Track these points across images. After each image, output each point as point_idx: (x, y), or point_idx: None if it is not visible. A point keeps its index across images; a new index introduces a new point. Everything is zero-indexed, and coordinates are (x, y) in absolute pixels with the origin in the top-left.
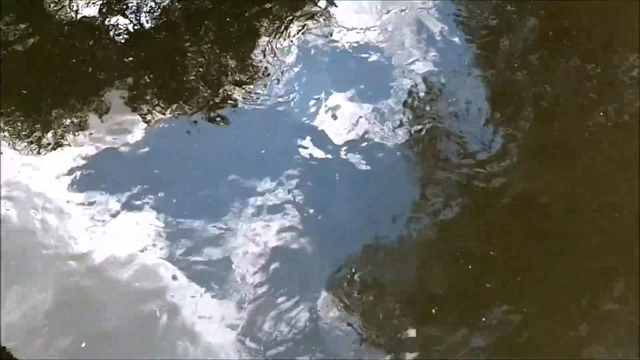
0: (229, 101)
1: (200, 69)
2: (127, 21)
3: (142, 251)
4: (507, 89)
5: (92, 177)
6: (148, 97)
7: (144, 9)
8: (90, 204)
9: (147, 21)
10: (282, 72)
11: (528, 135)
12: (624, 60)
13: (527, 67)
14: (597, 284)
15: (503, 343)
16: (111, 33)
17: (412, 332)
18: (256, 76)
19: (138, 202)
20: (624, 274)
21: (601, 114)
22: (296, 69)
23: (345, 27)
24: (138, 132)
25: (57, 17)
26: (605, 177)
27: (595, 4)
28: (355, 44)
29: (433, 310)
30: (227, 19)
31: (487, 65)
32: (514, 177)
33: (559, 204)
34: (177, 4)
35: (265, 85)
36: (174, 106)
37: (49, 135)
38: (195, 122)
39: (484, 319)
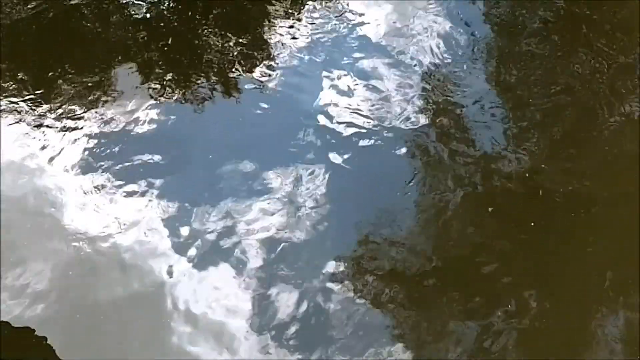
0: (237, 85)
1: (211, 51)
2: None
3: (146, 233)
4: (517, 83)
5: (100, 156)
6: (159, 77)
7: None
8: (97, 185)
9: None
10: (292, 57)
11: (539, 129)
12: (636, 54)
13: (540, 60)
14: (603, 278)
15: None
16: (124, 10)
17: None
18: (266, 60)
19: (144, 183)
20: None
21: (613, 107)
22: (306, 54)
23: (356, 13)
24: (147, 112)
25: None
26: (616, 170)
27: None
28: (368, 28)
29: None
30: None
31: (499, 59)
32: (523, 169)
33: (569, 197)
34: None
35: (273, 70)
36: (184, 87)
37: (56, 113)
38: (204, 103)
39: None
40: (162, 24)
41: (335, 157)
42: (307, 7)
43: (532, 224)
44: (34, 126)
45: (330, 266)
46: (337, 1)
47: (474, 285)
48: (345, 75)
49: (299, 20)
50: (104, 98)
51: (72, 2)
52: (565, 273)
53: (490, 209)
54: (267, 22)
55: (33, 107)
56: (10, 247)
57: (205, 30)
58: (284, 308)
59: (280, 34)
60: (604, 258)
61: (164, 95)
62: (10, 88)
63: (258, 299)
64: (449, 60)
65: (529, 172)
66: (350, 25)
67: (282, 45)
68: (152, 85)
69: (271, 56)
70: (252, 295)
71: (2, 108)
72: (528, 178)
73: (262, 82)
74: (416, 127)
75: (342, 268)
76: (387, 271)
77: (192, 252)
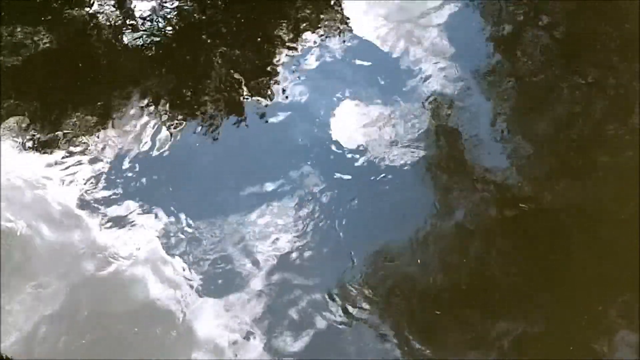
0: (245, 104)
1: (216, 75)
2: (144, 25)
3: (153, 252)
4: (524, 97)
5: (106, 179)
6: (164, 102)
7: (162, 13)
8: (104, 205)
9: (164, 25)
10: (298, 74)
11: (544, 144)
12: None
13: (546, 75)
14: (605, 296)
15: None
16: (127, 37)
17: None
18: (271, 83)
19: (150, 204)
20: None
21: (617, 123)
22: (312, 72)
23: (362, 37)
24: (152, 136)
25: (73, 20)
26: (619, 186)
27: (611, 13)
28: (371, 49)
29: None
30: (244, 23)
31: (505, 73)
32: (527, 184)
33: (573, 213)
34: (194, 6)
35: (280, 88)
36: (189, 111)
37: (64, 138)
38: (211, 124)
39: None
40: (166, 51)
41: (341, 180)
42: (312, 30)
43: (538, 243)
44: (39, 151)
45: (339, 287)
46: (344, 26)
47: (481, 309)
48: (351, 99)
49: (304, 43)
50: (109, 123)
51: (77, 31)
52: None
53: (495, 230)
54: (272, 45)
55: (38, 133)
56: (19, 267)
57: (210, 55)
58: (293, 330)
59: (286, 57)
60: (608, 277)
61: (169, 120)
62: (17, 114)
63: (264, 320)
64: (452, 83)
65: (533, 192)
66: (355, 50)
67: (288, 68)
68: (157, 110)
69: (276, 79)
70: (257, 316)
71: (8, 134)
72: (533, 198)
73: (267, 105)
74: (422, 151)
75: (350, 290)
76: (391, 287)
77: (200, 266)
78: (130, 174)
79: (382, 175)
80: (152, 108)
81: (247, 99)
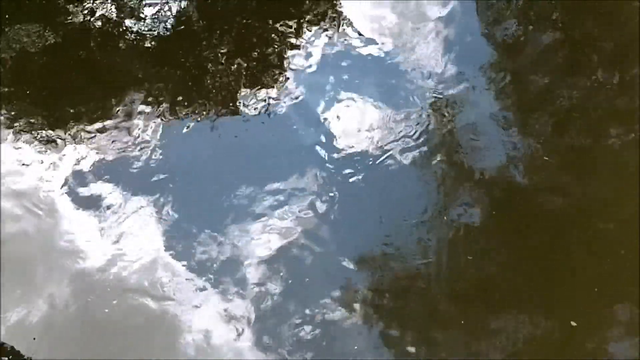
0: (244, 106)
1: (217, 74)
2: (145, 24)
3: (154, 253)
4: (524, 96)
5: (106, 179)
6: (164, 100)
7: (162, 13)
8: (104, 205)
9: (165, 25)
10: (299, 73)
11: (546, 144)
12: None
13: (547, 75)
14: (605, 296)
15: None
16: (128, 36)
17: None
18: (272, 78)
19: (152, 204)
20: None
21: (617, 123)
22: (313, 71)
23: (363, 35)
24: (152, 135)
25: (76, 20)
26: (619, 186)
27: (613, 15)
28: (373, 47)
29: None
30: (244, 23)
31: (505, 72)
32: (527, 184)
33: (573, 213)
34: (194, 5)
35: (280, 87)
36: (190, 111)
37: (64, 135)
38: (211, 124)
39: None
40: (166, 50)
41: (341, 179)
42: (313, 28)
43: (536, 242)
44: (39, 151)
45: (341, 286)
46: (344, 24)
47: (480, 309)
48: (351, 97)
49: (305, 41)
50: (110, 123)
51: (78, 30)
52: (567, 294)
53: (495, 230)
54: (273, 44)
55: (40, 131)
56: (19, 265)
57: (210, 54)
58: (294, 331)
59: (287, 56)
60: (608, 277)
61: (170, 120)
62: (19, 112)
63: (265, 319)
64: (453, 83)
65: (532, 191)
66: (356, 48)
67: (288, 67)
68: (158, 110)
69: (277, 79)
70: (259, 315)
71: (8, 135)
72: (532, 197)
73: (269, 103)
74: (422, 149)
75: (352, 288)
76: (392, 287)
77: (197, 266)
78: (130, 175)
79: (382, 174)
80: (152, 108)
81: (247, 98)
